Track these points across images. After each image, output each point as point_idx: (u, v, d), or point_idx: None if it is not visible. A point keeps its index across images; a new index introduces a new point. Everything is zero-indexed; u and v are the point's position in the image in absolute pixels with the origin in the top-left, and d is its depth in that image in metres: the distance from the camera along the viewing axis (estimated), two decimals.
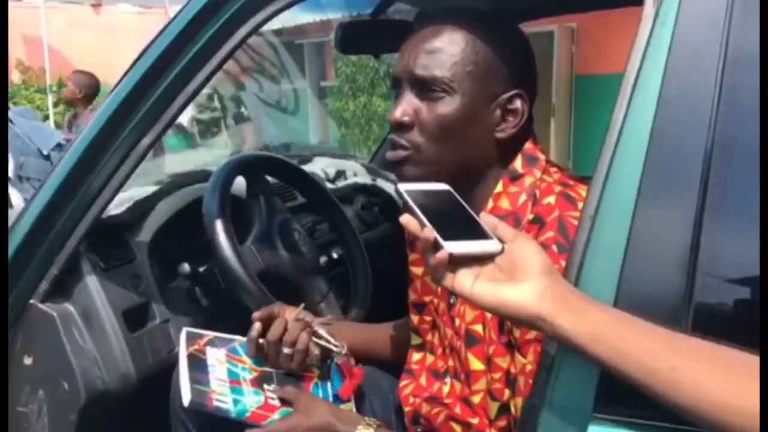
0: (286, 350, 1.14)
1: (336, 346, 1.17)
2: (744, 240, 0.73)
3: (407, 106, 1.01)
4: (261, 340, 1.15)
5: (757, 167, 0.70)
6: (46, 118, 10.96)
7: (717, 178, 0.72)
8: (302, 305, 1.21)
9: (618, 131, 0.77)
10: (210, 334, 1.16)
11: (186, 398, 1.04)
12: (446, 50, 0.99)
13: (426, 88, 0.99)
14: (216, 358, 1.12)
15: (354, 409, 1.16)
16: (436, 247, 0.75)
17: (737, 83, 0.73)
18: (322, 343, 1.17)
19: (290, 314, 1.18)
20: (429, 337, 1.17)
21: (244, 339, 1.17)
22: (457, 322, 1.05)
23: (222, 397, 1.06)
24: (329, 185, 1.87)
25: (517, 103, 1.01)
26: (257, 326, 1.15)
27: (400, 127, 1.01)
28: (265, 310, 1.19)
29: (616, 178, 0.76)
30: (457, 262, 0.75)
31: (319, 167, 1.94)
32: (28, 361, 1.21)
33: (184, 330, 1.13)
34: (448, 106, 0.99)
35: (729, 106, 0.73)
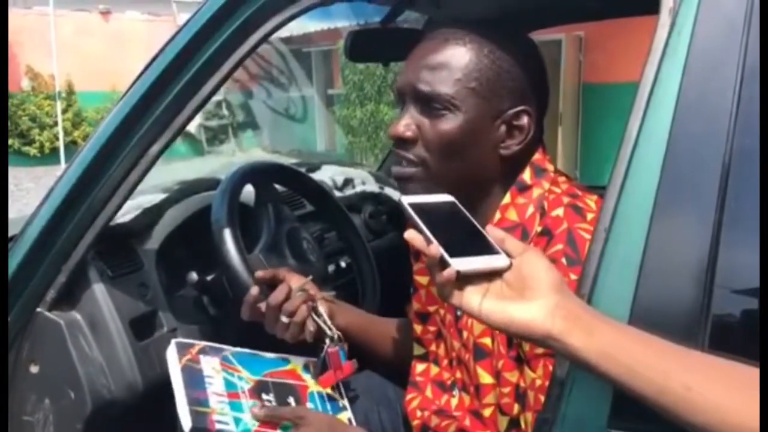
0: (284, 319, 1.13)
1: (330, 329, 1.15)
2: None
3: (410, 120, 1.00)
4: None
5: None
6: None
7: (735, 190, 0.71)
8: (310, 277, 1.20)
9: (633, 142, 0.76)
10: (200, 343, 1.14)
11: (186, 424, 1.01)
12: (449, 66, 0.97)
13: (428, 104, 0.98)
14: (212, 367, 1.10)
15: (352, 418, 1.15)
16: (443, 264, 0.74)
17: (756, 92, 0.72)
18: (320, 322, 1.15)
19: (295, 283, 1.17)
20: (433, 347, 1.16)
21: (234, 349, 1.15)
22: (465, 334, 1.04)
23: (223, 417, 1.03)
24: (337, 193, 1.87)
25: (524, 120, 0.99)
26: (255, 290, 1.15)
27: (403, 141, 1.00)
28: (270, 271, 1.18)
29: (631, 189, 0.75)
30: (465, 278, 0.74)
31: (327, 175, 1.93)
32: (34, 369, 1.20)
33: (173, 342, 1.10)
34: (450, 123, 0.97)
35: (747, 116, 0.72)
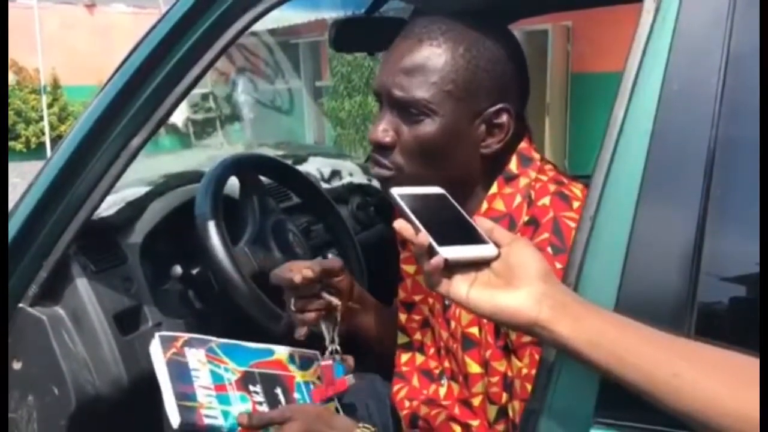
0: (292, 306, 1.11)
1: (333, 341, 1.12)
2: (747, 240, 0.71)
3: (387, 125, 0.98)
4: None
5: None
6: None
7: (720, 177, 0.71)
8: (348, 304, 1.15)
9: (618, 130, 0.75)
10: (185, 335, 1.13)
11: (175, 420, 1.00)
12: (425, 69, 0.95)
13: (405, 108, 0.96)
14: (197, 359, 1.09)
15: (340, 408, 1.14)
16: (431, 252, 0.74)
17: (740, 80, 0.72)
18: (324, 330, 1.12)
19: (344, 283, 1.12)
20: (417, 336, 1.16)
21: (220, 340, 1.15)
22: (453, 324, 1.04)
23: (211, 412, 1.03)
24: (324, 185, 1.86)
25: (503, 118, 0.97)
26: (298, 278, 1.07)
27: (382, 147, 0.98)
28: (324, 269, 1.10)
29: (616, 177, 0.75)
30: (453, 267, 0.74)
31: (314, 167, 1.92)
32: (17, 366, 1.19)
33: (156, 336, 1.08)
34: (428, 127, 0.95)
35: (732, 103, 0.71)
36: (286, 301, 1.13)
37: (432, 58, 0.95)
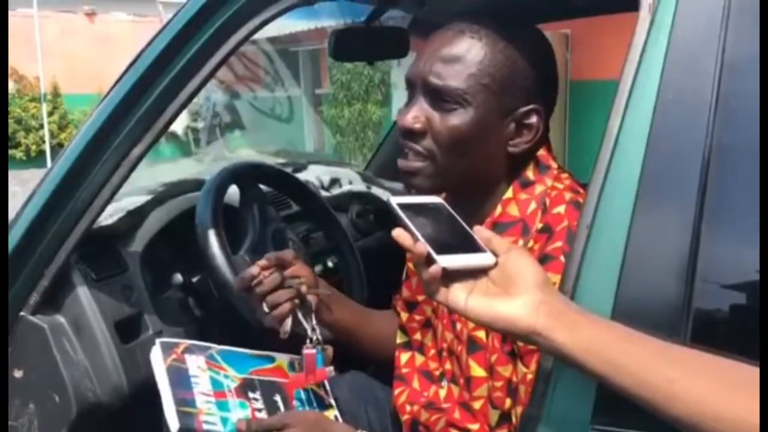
0: (265, 308, 1.09)
1: (314, 329, 1.12)
2: (743, 247, 0.72)
3: (419, 112, 0.98)
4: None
5: (755, 173, 0.69)
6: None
7: (715, 185, 0.72)
8: (314, 271, 1.16)
9: (614, 138, 0.76)
10: (185, 341, 1.13)
11: (174, 426, 1.00)
12: (463, 60, 0.96)
13: (439, 97, 0.97)
14: (197, 366, 1.09)
15: (339, 416, 1.15)
16: (429, 261, 0.74)
17: (734, 88, 0.73)
18: (303, 321, 1.11)
19: (300, 271, 1.12)
20: (417, 336, 1.16)
21: (220, 347, 1.15)
22: (459, 326, 1.04)
23: (210, 418, 1.03)
24: (324, 193, 1.86)
25: (533, 119, 0.98)
26: (255, 270, 1.09)
27: (411, 133, 0.99)
28: (275, 258, 1.12)
29: (612, 185, 0.76)
30: (451, 275, 0.75)
31: (313, 175, 1.92)
32: (18, 374, 1.20)
33: (157, 342, 1.09)
34: (460, 118, 0.96)
35: (726, 111, 0.72)
36: (258, 310, 1.12)
37: (472, 50, 0.96)
